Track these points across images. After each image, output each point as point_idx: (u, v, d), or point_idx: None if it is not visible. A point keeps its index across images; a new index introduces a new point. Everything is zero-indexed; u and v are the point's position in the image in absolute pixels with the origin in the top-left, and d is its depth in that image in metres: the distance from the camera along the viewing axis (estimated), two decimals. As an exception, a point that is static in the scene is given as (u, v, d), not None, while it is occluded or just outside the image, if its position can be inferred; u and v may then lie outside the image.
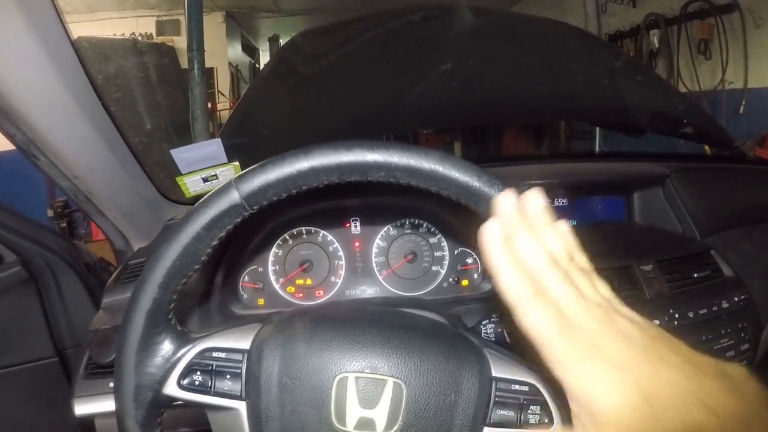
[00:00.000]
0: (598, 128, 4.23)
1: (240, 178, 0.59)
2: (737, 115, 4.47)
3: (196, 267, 0.62)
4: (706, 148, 2.16)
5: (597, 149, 4.33)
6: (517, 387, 0.64)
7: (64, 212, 5.48)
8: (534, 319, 0.51)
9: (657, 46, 5.14)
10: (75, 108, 0.94)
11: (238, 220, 0.60)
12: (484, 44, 1.94)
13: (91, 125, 0.99)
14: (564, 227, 0.57)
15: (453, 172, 0.57)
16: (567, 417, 0.63)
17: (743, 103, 4.48)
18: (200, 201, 0.60)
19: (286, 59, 2.20)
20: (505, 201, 0.55)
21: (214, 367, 0.64)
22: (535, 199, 0.55)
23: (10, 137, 0.94)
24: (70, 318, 1.37)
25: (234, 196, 0.58)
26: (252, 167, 0.59)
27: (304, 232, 1.22)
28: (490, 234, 0.54)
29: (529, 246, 0.54)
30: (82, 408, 0.95)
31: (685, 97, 3.28)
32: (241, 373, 0.64)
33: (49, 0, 0.84)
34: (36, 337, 1.31)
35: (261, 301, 1.22)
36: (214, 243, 0.61)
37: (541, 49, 2.00)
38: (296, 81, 1.98)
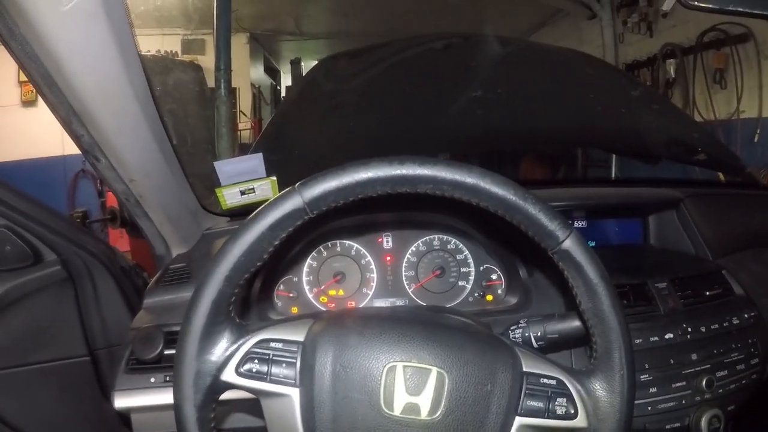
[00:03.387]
0: (614, 156, 4.24)
1: (303, 184, 0.66)
2: (752, 144, 4.48)
3: (258, 264, 0.69)
4: (720, 175, 2.20)
5: (613, 177, 4.35)
6: (545, 381, 0.70)
7: (84, 222, 5.51)
8: None
9: (673, 75, 5.15)
10: (140, 115, 1.01)
11: (299, 223, 0.67)
12: (504, 72, 2.00)
13: (150, 132, 1.05)
14: None
15: (525, 204, 0.67)
16: (590, 409, 0.70)
17: (758, 131, 4.48)
18: (266, 203, 0.67)
19: (315, 80, 2.28)
20: None
21: (270, 356, 0.69)
22: None
23: (77, 138, 1.00)
24: (103, 319, 1.39)
25: (298, 201, 0.66)
26: (314, 175, 0.66)
27: (338, 245, 1.28)
28: None
29: None
30: (121, 401, 1.00)
31: (699, 125, 3.32)
32: (296, 362, 0.69)
33: (124, 13, 0.89)
34: (70, 335, 1.32)
35: (294, 310, 1.27)
36: (276, 243, 0.68)
37: (560, 78, 2.05)
38: (325, 102, 2.05)
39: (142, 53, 0.99)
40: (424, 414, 0.67)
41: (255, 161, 1.22)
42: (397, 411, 0.67)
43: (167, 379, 1.00)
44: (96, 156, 1.04)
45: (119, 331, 1.35)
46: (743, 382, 1.18)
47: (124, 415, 1.04)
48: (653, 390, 1.08)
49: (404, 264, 1.29)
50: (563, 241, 0.68)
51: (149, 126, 1.05)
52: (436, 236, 1.29)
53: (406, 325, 0.72)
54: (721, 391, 1.13)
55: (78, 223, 1.47)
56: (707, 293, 1.24)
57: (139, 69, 0.98)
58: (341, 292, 1.28)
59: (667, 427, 1.09)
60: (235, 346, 0.70)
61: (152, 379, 1.01)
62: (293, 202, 0.66)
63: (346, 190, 0.65)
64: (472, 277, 1.29)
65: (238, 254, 0.67)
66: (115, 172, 1.08)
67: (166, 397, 0.98)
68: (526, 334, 0.90)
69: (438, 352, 0.69)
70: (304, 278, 1.28)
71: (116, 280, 1.42)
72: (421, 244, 1.29)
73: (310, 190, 0.65)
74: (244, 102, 8.07)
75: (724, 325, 1.19)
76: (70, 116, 0.96)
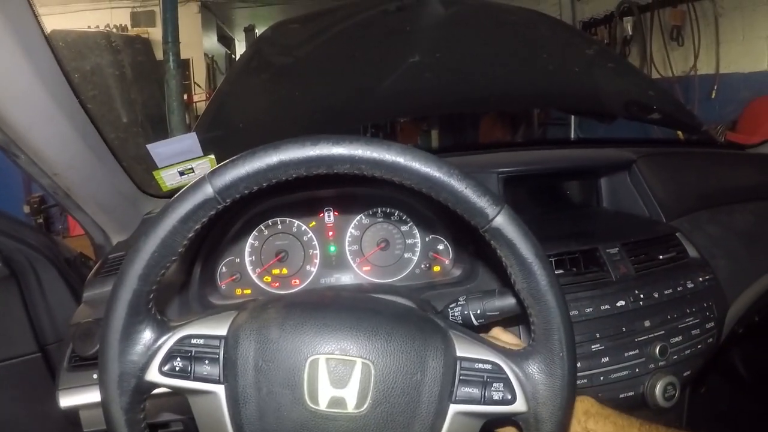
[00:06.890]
0: (572, 117, 4.26)
1: (213, 173, 0.63)
2: (709, 100, 4.54)
3: (173, 258, 0.65)
4: (679, 133, 2.20)
5: (572, 136, 4.36)
6: (480, 365, 0.67)
7: (41, 208, 5.38)
8: None
9: (630, 33, 5.19)
10: (53, 106, 0.96)
11: (212, 212, 0.64)
12: (457, 34, 1.97)
13: (69, 123, 1.01)
14: None
15: (450, 180, 0.64)
16: (528, 394, 0.67)
17: (715, 88, 4.54)
18: (176, 195, 0.63)
19: (260, 51, 2.22)
20: None
21: (193, 353, 0.66)
22: None
23: None
24: (51, 313, 1.37)
25: (208, 190, 0.62)
26: (224, 162, 0.63)
27: (279, 222, 1.23)
28: None
29: None
30: (66, 400, 0.97)
31: (655, 84, 3.33)
32: (218, 358, 0.66)
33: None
34: (18, 333, 1.30)
35: (239, 291, 1.23)
36: (190, 235, 0.64)
37: (513, 38, 2.02)
38: (271, 73, 1.99)
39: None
40: (350, 407, 0.64)
41: (189, 141, 1.17)
42: (323, 405, 0.64)
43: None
44: (14, 153, 1.00)
45: (69, 324, 1.33)
46: (699, 347, 1.16)
47: (72, 414, 1.00)
48: (605, 359, 1.06)
49: (347, 238, 1.25)
50: (493, 218, 0.64)
51: (67, 117, 1.00)
52: (379, 208, 1.25)
53: (330, 313, 0.69)
54: (675, 357, 1.12)
55: (16, 218, 1.42)
56: (660, 257, 1.22)
57: (49, 58, 0.94)
58: (285, 271, 1.24)
59: (621, 396, 1.07)
60: (157, 344, 0.67)
61: (95, 375, 0.96)
62: (203, 193, 0.62)
63: (258, 176, 0.62)
64: (418, 249, 1.26)
65: (150, 250, 0.64)
66: (37, 167, 1.04)
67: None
68: (465, 312, 0.88)
69: (362, 342, 0.66)
70: (247, 258, 1.23)
71: (61, 272, 1.40)
72: (363, 217, 1.25)
73: (220, 179, 0.62)
74: (199, 73, 7.94)
75: (678, 289, 1.18)
76: (-24, 115, 0.91)
